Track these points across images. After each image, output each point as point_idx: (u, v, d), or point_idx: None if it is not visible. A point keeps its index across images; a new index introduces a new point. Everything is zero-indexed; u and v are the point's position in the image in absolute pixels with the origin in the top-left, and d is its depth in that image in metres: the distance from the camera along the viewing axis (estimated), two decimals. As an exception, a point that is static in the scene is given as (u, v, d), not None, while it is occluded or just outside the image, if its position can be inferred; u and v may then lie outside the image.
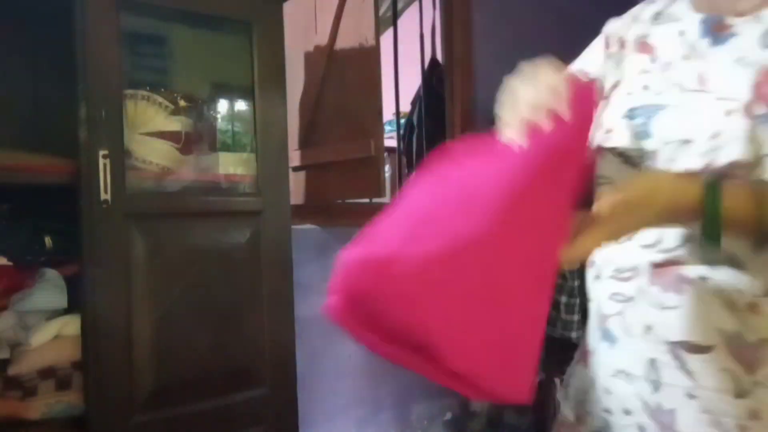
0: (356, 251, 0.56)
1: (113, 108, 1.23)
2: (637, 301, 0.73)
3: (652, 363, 0.71)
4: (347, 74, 1.90)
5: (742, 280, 0.66)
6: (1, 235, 1.40)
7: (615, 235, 0.62)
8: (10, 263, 1.36)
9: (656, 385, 0.71)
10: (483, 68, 2.49)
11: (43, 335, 1.27)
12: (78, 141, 1.19)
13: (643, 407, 0.72)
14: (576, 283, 1.95)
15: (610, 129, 0.76)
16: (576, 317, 1.93)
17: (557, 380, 2.10)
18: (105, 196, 1.19)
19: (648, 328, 0.71)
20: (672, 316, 0.69)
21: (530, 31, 2.69)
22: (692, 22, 0.74)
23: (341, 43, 1.92)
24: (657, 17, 0.80)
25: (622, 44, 0.82)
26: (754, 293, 0.65)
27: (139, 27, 1.45)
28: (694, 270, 0.68)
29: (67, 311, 1.32)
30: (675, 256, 0.69)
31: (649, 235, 0.71)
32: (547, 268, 0.58)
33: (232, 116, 1.70)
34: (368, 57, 1.80)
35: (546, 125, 0.60)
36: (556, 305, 1.97)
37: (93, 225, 1.19)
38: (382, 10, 2.97)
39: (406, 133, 2.79)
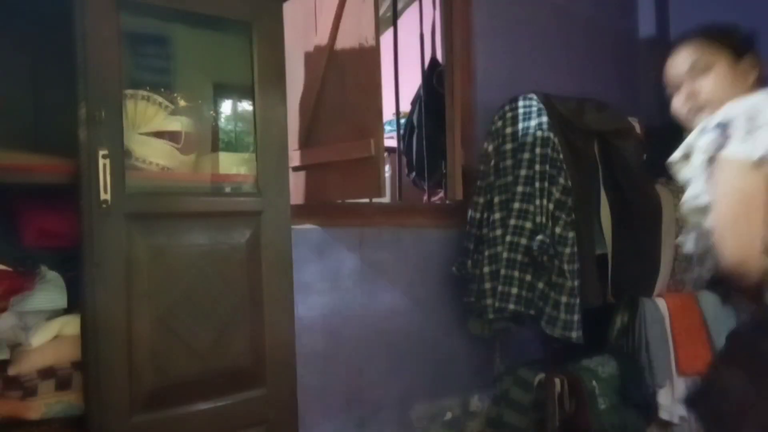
0: None
1: (113, 108, 1.23)
2: None
3: None
4: (347, 74, 1.90)
5: None
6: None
7: None
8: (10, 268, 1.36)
9: None
10: (483, 68, 2.49)
11: (43, 335, 1.27)
12: (78, 141, 1.19)
13: None
14: (576, 283, 1.95)
15: None
16: (576, 317, 1.93)
17: (557, 380, 2.10)
18: (105, 196, 1.19)
19: None
20: None
21: (530, 31, 2.70)
22: None
23: (341, 43, 1.92)
24: None
25: None
26: None
27: (139, 27, 1.45)
28: None
29: (67, 311, 1.32)
30: None
31: None
32: None
33: (232, 116, 1.70)
34: (368, 57, 1.80)
35: None
36: (556, 305, 1.97)
37: (93, 225, 1.19)
38: (382, 10, 2.97)
39: (406, 133, 2.79)
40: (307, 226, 2.05)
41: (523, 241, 2.04)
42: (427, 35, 2.79)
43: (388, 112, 2.38)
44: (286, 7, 1.50)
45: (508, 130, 2.17)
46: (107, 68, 1.22)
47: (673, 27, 3.05)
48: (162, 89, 1.45)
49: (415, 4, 3.02)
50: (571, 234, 1.98)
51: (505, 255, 2.07)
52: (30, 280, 1.34)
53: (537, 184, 2.04)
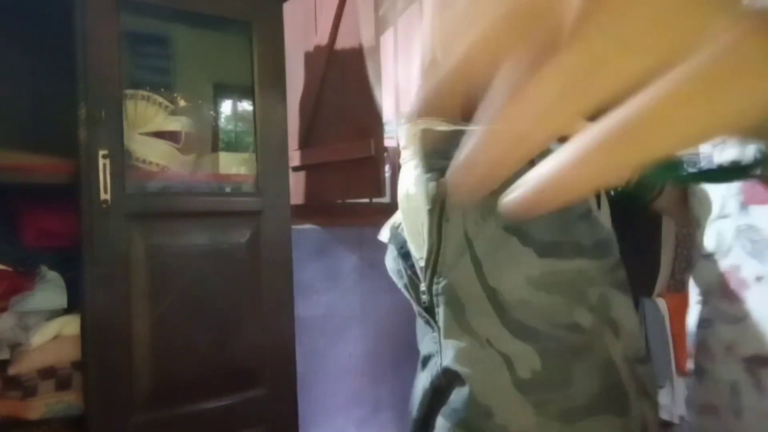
0: None
1: (113, 108, 1.23)
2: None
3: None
4: (347, 74, 1.90)
5: None
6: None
7: None
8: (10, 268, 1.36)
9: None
10: (483, 68, 2.49)
11: (43, 335, 1.27)
12: (78, 141, 1.19)
13: None
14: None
15: None
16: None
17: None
18: (105, 196, 1.20)
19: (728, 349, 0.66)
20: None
21: (530, 31, 2.69)
22: None
23: (341, 43, 1.92)
24: None
25: None
26: None
27: (139, 27, 1.45)
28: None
29: (67, 311, 1.33)
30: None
31: None
32: None
33: (233, 116, 1.70)
34: (368, 57, 1.80)
35: None
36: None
37: (93, 225, 1.19)
38: (382, 10, 2.96)
39: (406, 133, 2.79)
40: (307, 226, 2.05)
41: (523, 241, 2.04)
42: (427, 35, 2.79)
43: (388, 112, 2.38)
44: (286, 7, 1.50)
45: (508, 130, 2.17)
46: (107, 68, 1.22)
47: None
48: (162, 89, 1.45)
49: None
50: (571, 234, 1.98)
51: (505, 255, 2.06)
52: (30, 280, 1.34)
53: (537, 184, 2.04)
